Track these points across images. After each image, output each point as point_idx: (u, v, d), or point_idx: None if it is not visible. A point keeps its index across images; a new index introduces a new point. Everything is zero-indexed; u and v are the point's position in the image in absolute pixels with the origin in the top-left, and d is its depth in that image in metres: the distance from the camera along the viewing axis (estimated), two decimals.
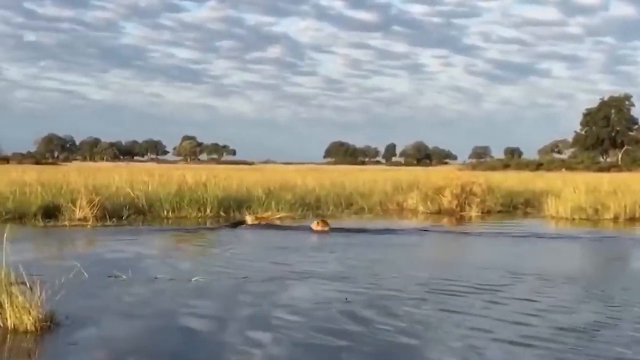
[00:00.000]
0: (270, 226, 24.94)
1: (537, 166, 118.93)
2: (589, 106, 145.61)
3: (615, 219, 30.44)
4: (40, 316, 9.34)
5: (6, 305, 9.35)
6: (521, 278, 14.28)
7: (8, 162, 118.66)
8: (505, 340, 9.26)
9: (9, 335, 9.16)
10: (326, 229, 23.42)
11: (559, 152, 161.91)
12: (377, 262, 16.66)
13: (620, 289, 13.48)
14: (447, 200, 33.07)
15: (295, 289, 12.85)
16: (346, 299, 11.77)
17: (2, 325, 9.37)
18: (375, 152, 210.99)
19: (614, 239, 23.70)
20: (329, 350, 8.85)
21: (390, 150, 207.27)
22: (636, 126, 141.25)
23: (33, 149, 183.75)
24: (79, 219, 24.78)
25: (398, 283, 13.50)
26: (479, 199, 33.26)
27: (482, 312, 10.89)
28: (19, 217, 24.64)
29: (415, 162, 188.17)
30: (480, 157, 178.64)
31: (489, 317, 10.50)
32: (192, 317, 10.47)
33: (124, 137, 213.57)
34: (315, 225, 23.65)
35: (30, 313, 9.28)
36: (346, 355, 8.61)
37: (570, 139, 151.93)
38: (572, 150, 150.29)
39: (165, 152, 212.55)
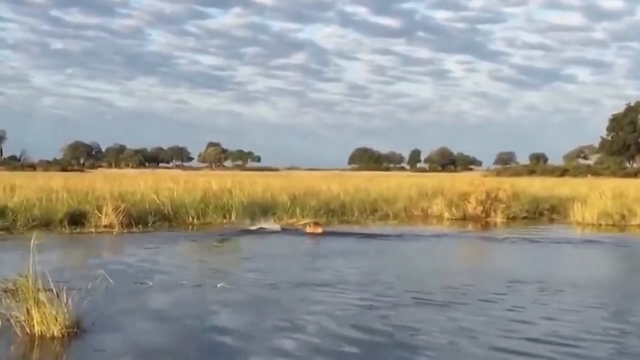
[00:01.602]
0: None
1: (563, 172, 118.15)
2: (615, 111, 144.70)
3: None
4: (67, 323, 9.38)
5: (33, 311, 9.40)
6: (525, 285, 14.09)
7: (35, 169, 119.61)
8: (485, 349, 9.14)
9: (36, 342, 9.20)
10: (319, 231, 24.07)
11: (585, 157, 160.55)
12: (390, 267, 16.69)
13: (629, 298, 13.36)
14: (472, 207, 32.96)
15: (319, 295, 12.82)
16: (371, 305, 11.77)
17: (29, 331, 9.42)
18: (400, 158, 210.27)
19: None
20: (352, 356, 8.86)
21: (415, 156, 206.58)
22: None
23: (59, 156, 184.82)
24: (105, 226, 24.90)
25: (397, 291, 13.46)
26: (504, 205, 33.12)
27: (474, 322, 10.63)
28: (45, 224, 24.74)
29: (439, 168, 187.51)
30: (506, 163, 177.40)
31: (478, 327, 10.27)
32: (218, 323, 10.47)
33: (149, 144, 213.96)
34: (308, 228, 24.45)
35: (57, 320, 9.33)
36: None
37: (596, 144, 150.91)
38: (598, 155, 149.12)
39: (190, 159, 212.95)
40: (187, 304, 11.89)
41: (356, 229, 27.01)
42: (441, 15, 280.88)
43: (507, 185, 35.70)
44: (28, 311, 9.44)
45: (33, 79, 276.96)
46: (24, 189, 30.90)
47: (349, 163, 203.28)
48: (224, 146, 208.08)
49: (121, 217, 25.20)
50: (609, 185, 43.51)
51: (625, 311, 11.93)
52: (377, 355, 8.93)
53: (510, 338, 9.73)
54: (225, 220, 28.22)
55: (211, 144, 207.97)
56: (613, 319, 11.17)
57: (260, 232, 24.74)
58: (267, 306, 11.73)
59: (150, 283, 13.61)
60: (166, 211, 28.03)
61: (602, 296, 13.32)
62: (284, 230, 25.38)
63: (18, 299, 9.63)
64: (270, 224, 26.11)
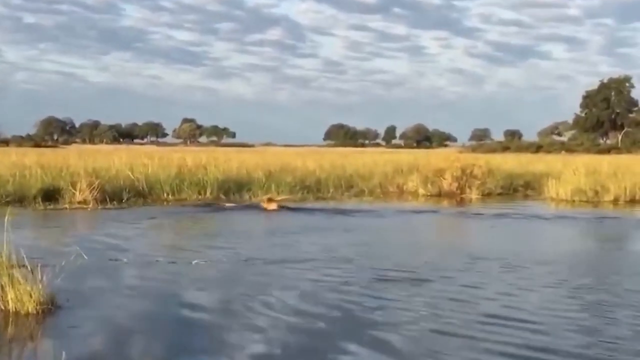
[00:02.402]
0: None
1: (537, 148, 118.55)
2: (589, 88, 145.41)
3: (615, 201, 30.44)
4: (42, 299, 9.37)
5: (7, 288, 9.38)
6: (490, 262, 14.09)
7: (8, 145, 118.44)
8: (430, 329, 9.06)
9: (10, 318, 9.18)
10: (272, 207, 24.44)
11: (559, 134, 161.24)
12: (353, 244, 16.80)
13: (594, 275, 13.28)
14: (447, 183, 33.08)
15: (294, 271, 12.85)
16: (346, 282, 11.84)
17: (3, 308, 9.40)
18: (375, 135, 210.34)
19: (611, 220, 23.89)
20: (322, 332, 8.92)
21: (391, 132, 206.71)
22: (636, 108, 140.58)
23: (33, 132, 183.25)
24: (79, 202, 24.80)
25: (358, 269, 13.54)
26: (479, 182, 33.25)
27: (424, 301, 10.47)
28: (19, 200, 24.62)
29: (415, 144, 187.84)
30: (481, 140, 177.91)
31: (427, 307, 10.11)
32: (192, 300, 10.50)
33: (124, 120, 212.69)
34: (263, 204, 24.85)
35: (31, 296, 9.31)
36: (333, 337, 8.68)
37: (570, 121, 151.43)
38: (572, 132, 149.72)
39: (165, 135, 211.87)
40: (162, 281, 11.90)
41: (318, 204, 27.07)
42: None
43: (482, 161, 35.85)
44: (2, 288, 9.43)
45: (5, 53, 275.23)
46: None
47: (325, 139, 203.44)
48: (199, 122, 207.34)
49: (95, 193, 25.11)
50: (583, 161, 43.77)
51: (586, 288, 11.81)
52: (315, 335, 8.90)
53: (456, 319, 9.56)
54: (200, 197, 28.19)
55: (186, 120, 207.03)
56: (572, 297, 11.06)
57: (231, 208, 24.81)
58: (239, 284, 11.77)
59: (124, 260, 13.60)
60: (141, 187, 27.97)
61: (567, 273, 13.29)
62: (251, 205, 25.42)
63: None
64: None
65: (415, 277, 12.40)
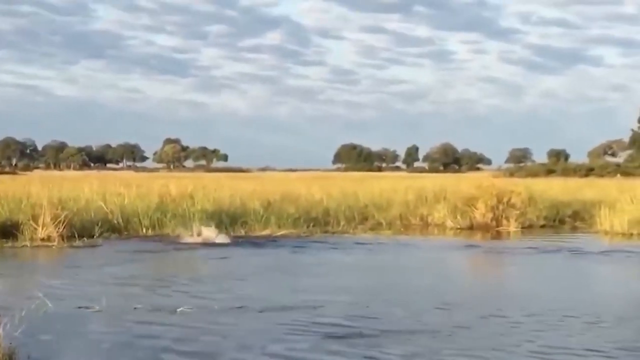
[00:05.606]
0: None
1: (587, 171, 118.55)
2: None
3: None
4: None
5: None
6: (514, 312, 13.86)
7: None
8: None
9: None
10: (216, 240, 25.58)
11: (613, 154, 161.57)
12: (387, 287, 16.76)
13: (623, 323, 12.81)
14: (480, 214, 33.02)
15: (292, 318, 12.82)
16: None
17: None
18: (394, 156, 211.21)
19: None
20: None
21: (412, 153, 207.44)
22: None
23: None
24: (42, 239, 24.79)
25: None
26: (518, 212, 33.21)
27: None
28: None
29: (441, 167, 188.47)
30: (519, 162, 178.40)
31: None
32: (178, 357, 10.45)
33: (95, 141, 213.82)
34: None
35: None
36: None
37: (626, 138, 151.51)
38: (628, 152, 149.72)
39: (144, 158, 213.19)
40: (141, 333, 11.83)
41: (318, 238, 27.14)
42: None
43: (521, 187, 35.87)
44: None
45: None
46: None
47: (334, 162, 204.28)
48: (185, 143, 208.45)
49: (62, 228, 25.11)
50: None
51: (623, 342, 11.24)
52: None
53: None
54: (186, 232, 28.15)
55: (169, 141, 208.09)
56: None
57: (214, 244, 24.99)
58: (230, 335, 11.72)
59: (96, 307, 13.57)
60: (115, 221, 28.02)
61: (593, 323, 12.79)
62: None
63: None
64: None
65: (358, 332, 12.01)
